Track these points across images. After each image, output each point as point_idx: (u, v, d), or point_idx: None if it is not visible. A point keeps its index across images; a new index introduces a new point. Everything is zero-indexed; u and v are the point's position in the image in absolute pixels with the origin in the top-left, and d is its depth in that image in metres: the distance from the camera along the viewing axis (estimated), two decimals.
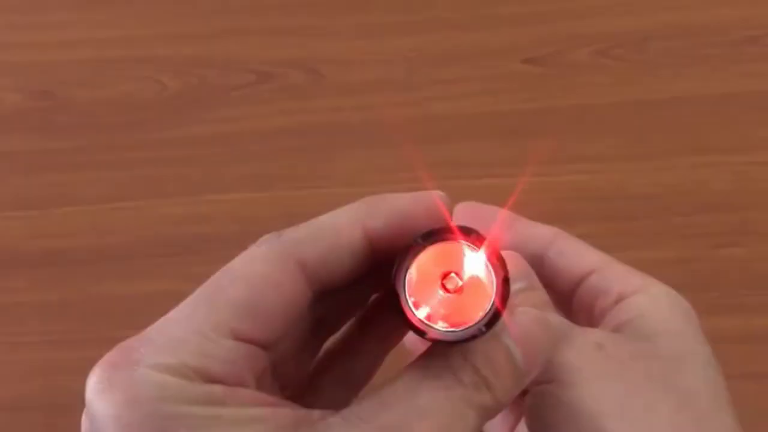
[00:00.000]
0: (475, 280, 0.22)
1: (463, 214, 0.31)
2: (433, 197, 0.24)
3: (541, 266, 0.30)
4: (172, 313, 0.22)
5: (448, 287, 0.22)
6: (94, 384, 0.20)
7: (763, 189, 0.47)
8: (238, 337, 0.21)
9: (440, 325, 0.21)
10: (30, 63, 0.57)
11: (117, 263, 0.47)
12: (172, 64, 0.55)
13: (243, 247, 0.23)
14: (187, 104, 0.53)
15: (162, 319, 0.22)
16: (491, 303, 0.21)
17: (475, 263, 0.22)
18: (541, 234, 0.30)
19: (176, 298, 0.23)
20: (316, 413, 0.21)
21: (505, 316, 0.22)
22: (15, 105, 0.55)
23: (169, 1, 0.59)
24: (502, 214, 0.31)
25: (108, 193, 0.50)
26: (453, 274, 0.22)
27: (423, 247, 0.21)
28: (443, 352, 0.22)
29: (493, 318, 0.21)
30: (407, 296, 0.21)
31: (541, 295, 0.29)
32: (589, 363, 0.25)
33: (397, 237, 0.23)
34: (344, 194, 0.50)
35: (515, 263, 0.29)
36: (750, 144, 0.49)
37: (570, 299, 0.29)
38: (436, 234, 0.22)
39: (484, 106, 0.52)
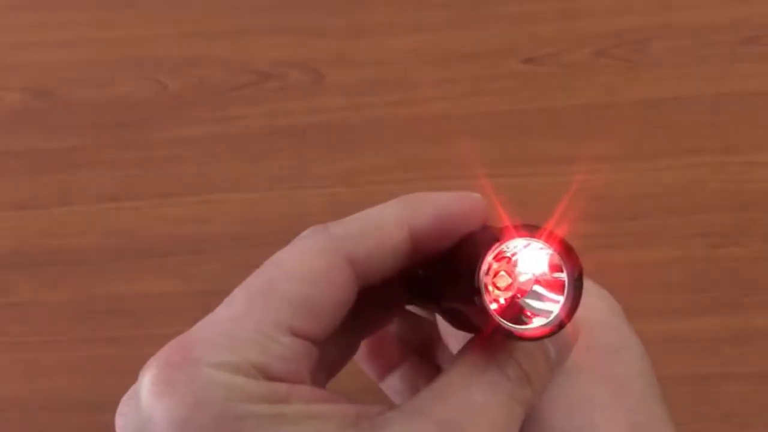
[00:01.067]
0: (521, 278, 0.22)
1: None
2: (476, 198, 0.24)
3: None
4: (224, 310, 0.21)
5: (498, 285, 0.23)
6: (151, 385, 0.19)
7: (762, 189, 0.47)
8: (297, 334, 0.21)
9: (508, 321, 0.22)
10: (30, 63, 0.57)
11: (117, 263, 0.47)
12: (172, 64, 0.55)
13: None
14: (187, 104, 0.53)
15: (213, 317, 0.21)
16: (564, 297, 0.22)
17: (536, 259, 0.22)
18: None
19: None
20: (373, 408, 0.21)
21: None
22: (15, 105, 0.55)
23: (169, 1, 0.59)
24: None
25: (108, 193, 0.50)
26: (503, 273, 0.22)
27: (499, 245, 0.22)
28: (488, 347, 0.22)
29: (570, 312, 0.21)
30: (487, 296, 0.21)
31: None
32: None
33: (439, 237, 0.23)
34: (344, 194, 0.50)
35: None
36: (749, 144, 0.49)
37: None
38: (512, 232, 0.22)
39: (484, 106, 0.52)
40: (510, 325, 0.21)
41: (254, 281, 0.22)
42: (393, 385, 0.33)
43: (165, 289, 0.47)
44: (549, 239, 0.22)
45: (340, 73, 0.54)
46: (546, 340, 0.23)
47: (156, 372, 0.20)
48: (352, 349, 0.28)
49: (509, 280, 0.23)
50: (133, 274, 0.48)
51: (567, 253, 0.22)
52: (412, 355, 0.33)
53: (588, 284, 0.28)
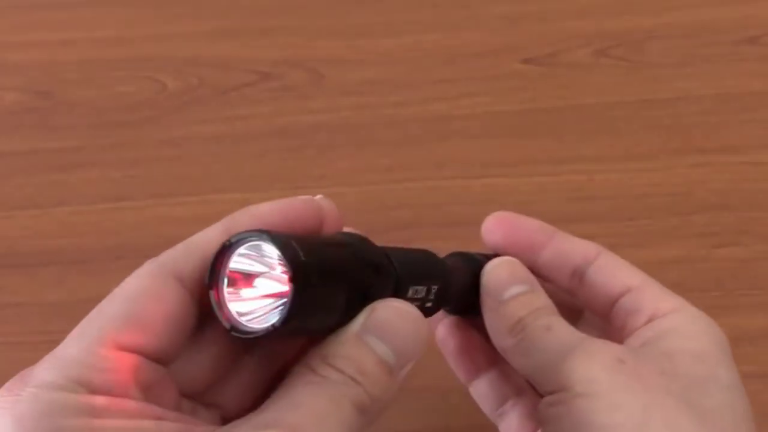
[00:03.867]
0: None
1: (495, 225, 0.31)
2: (308, 201, 0.25)
3: (580, 282, 0.30)
4: (68, 337, 0.23)
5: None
6: None
7: (762, 189, 0.47)
8: (122, 348, 0.22)
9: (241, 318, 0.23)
10: (30, 63, 0.57)
11: (117, 263, 0.47)
12: (172, 64, 0.55)
13: None
14: (187, 104, 0.53)
15: (60, 344, 0.23)
16: (285, 303, 0.22)
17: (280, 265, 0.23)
18: (584, 250, 0.31)
19: None
20: (201, 428, 0.22)
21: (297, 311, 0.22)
22: (15, 105, 0.55)
23: (169, 1, 0.59)
24: (539, 226, 0.31)
25: (108, 193, 0.50)
26: (270, 272, 0.23)
27: (229, 249, 0.23)
28: (303, 356, 0.23)
29: (288, 316, 0.22)
30: (224, 295, 0.23)
31: (542, 298, 0.29)
32: (607, 375, 0.25)
33: None
34: (343, 194, 0.50)
35: (517, 269, 0.29)
36: (749, 144, 0.49)
37: (608, 317, 0.29)
38: (241, 238, 0.23)
39: (484, 106, 0.52)
40: (234, 319, 0.23)
41: (90, 313, 0.23)
42: (480, 389, 0.33)
43: None
44: (275, 245, 0.22)
45: (340, 73, 0.54)
46: (371, 343, 0.23)
47: None
48: (278, 364, 0.27)
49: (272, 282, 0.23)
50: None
51: (283, 256, 0.22)
52: (503, 363, 0.31)
53: (696, 313, 0.28)
